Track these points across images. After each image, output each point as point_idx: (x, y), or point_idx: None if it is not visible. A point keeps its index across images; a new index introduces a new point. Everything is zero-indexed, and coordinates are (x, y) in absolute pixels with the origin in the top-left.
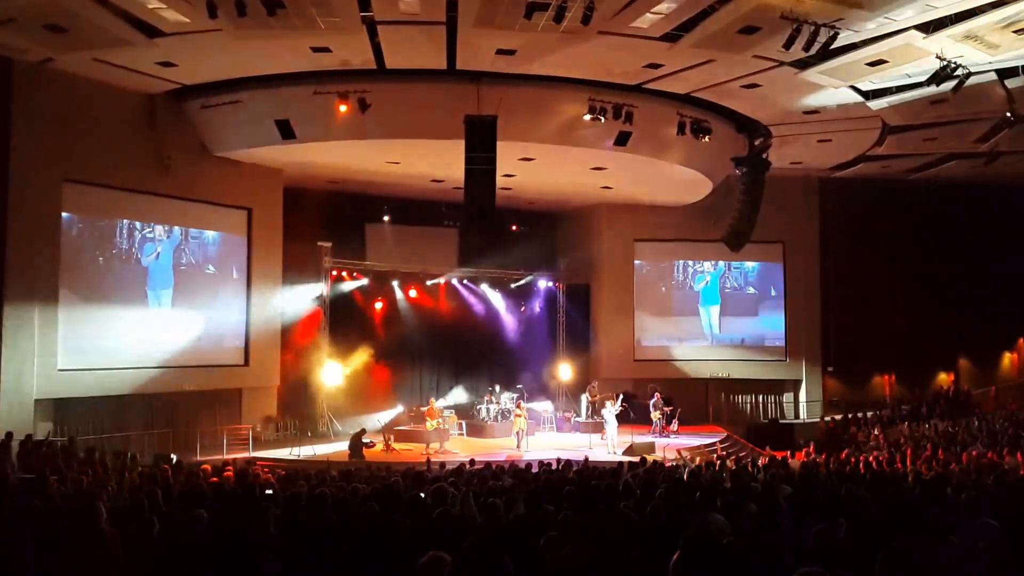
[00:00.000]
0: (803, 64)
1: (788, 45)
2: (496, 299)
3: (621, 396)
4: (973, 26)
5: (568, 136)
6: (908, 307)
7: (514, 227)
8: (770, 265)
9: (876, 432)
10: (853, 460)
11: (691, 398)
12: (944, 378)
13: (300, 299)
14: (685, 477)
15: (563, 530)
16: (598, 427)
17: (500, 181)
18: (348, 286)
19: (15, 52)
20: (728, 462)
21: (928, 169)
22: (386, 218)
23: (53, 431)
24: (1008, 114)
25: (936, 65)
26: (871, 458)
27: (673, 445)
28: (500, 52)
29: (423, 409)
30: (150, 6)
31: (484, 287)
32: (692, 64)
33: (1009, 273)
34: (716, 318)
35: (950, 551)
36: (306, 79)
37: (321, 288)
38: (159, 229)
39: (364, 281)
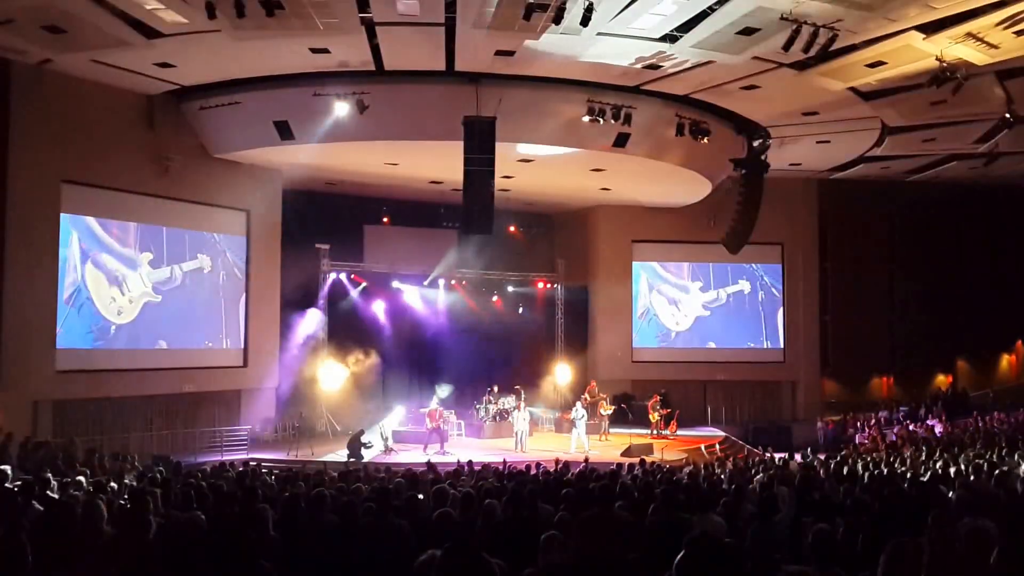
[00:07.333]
0: (802, 65)
1: (787, 46)
2: (495, 300)
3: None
4: (973, 26)
5: (567, 137)
6: (906, 308)
7: (512, 229)
8: (769, 267)
9: (874, 433)
10: (851, 461)
11: (689, 400)
12: (942, 380)
13: (299, 300)
14: (684, 478)
15: (560, 530)
16: (596, 428)
17: (498, 183)
18: (346, 287)
19: (14, 53)
20: (727, 463)
21: (927, 171)
22: (385, 219)
23: (52, 432)
24: (1007, 115)
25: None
26: (869, 459)
27: (671, 447)
28: (499, 53)
29: (423, 410)
30: (148, 7)
31: (483, 288)
32: (691, 65)
33: (1008, 275)
34: (715, 324)
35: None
36: (305, 80)
37: (319, 289)
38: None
39: (363, 283)
